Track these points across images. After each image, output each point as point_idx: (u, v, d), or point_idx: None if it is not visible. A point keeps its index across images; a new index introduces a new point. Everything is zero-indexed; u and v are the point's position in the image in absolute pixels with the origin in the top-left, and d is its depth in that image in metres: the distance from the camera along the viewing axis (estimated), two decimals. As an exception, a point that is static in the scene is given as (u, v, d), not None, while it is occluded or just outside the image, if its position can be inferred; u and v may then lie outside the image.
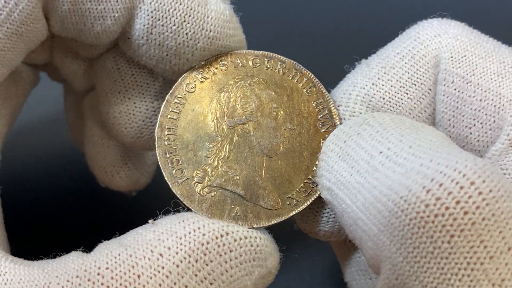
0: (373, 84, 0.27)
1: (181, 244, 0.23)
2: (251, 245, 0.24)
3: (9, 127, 0.31)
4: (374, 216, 0.21)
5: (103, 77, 0.30)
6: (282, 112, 0.27)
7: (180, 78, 0.27)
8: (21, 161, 0.42)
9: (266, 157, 0.26)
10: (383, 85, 0.27)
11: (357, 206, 0.22)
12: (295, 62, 0.28)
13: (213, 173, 0.26)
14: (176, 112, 0.27)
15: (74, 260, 0.23)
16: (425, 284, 0.20)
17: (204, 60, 0.27)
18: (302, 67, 0.28)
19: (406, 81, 0.27)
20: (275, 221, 0.26)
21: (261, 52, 0.28)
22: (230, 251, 0.24)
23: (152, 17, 0.26)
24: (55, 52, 0.31)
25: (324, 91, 0.27)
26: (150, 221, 0.25)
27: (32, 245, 0.28)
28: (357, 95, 0.27)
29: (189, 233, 0.23)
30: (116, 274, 0.22)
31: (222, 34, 0.27)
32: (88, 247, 0.24)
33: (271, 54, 0.28)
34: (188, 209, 0.26)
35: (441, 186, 0.20)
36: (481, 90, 0.26)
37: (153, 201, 0.34)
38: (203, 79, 0.27)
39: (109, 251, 0.23)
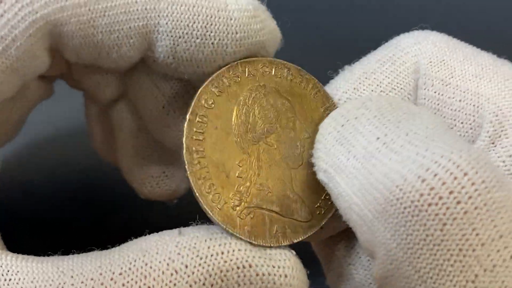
0: (354, 88, 0.28)
1: (199, 264, 0.22)
2: (274, 283, 0.23)
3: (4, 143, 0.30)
4: (369, 202, 0.22)
5: (143, 96, 0.29)
6: (297, 121, 0.27)
7: (197, 94, 0.26)
8: (23, 166, 0.40)
9: (292, 169, 0.26)
10: (364, 90, 0.28)
11: (353, 191, 0.22)
12: (299, 68, 0.27)
13: (248, 193, 0.25)
14: (200, 132, 0.25)
15: (92, 261, 0.23)
16: (418, 269, 0.20)
17: (238, 60, 0.26)
18: (305, 72, 0.27)
19: (386, 85, 0.28)
20: (310, 233, 0.25)
21: (267, 58, 0.27)
22: (250, 283, 0.23)
23: (172, 37, 0.25)
24: (74, 64, 0.29)
25: (328, 95, 0.27)
26: (180, 229, 0.24)
27: (45, 250, 0.28)
28: (339, 99, 0.28)
29: (211, 255, 0.23)
30: (128, 282, 0.22)
31: (250, 31, 0.25)
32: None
33: (276, 60, 0.27)
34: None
35: (436, 176, 0.20)
36: (460, 91, 0.27)
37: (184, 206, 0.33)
38: (219, 93, 0.26)
39: (126, 255, 0.23)
